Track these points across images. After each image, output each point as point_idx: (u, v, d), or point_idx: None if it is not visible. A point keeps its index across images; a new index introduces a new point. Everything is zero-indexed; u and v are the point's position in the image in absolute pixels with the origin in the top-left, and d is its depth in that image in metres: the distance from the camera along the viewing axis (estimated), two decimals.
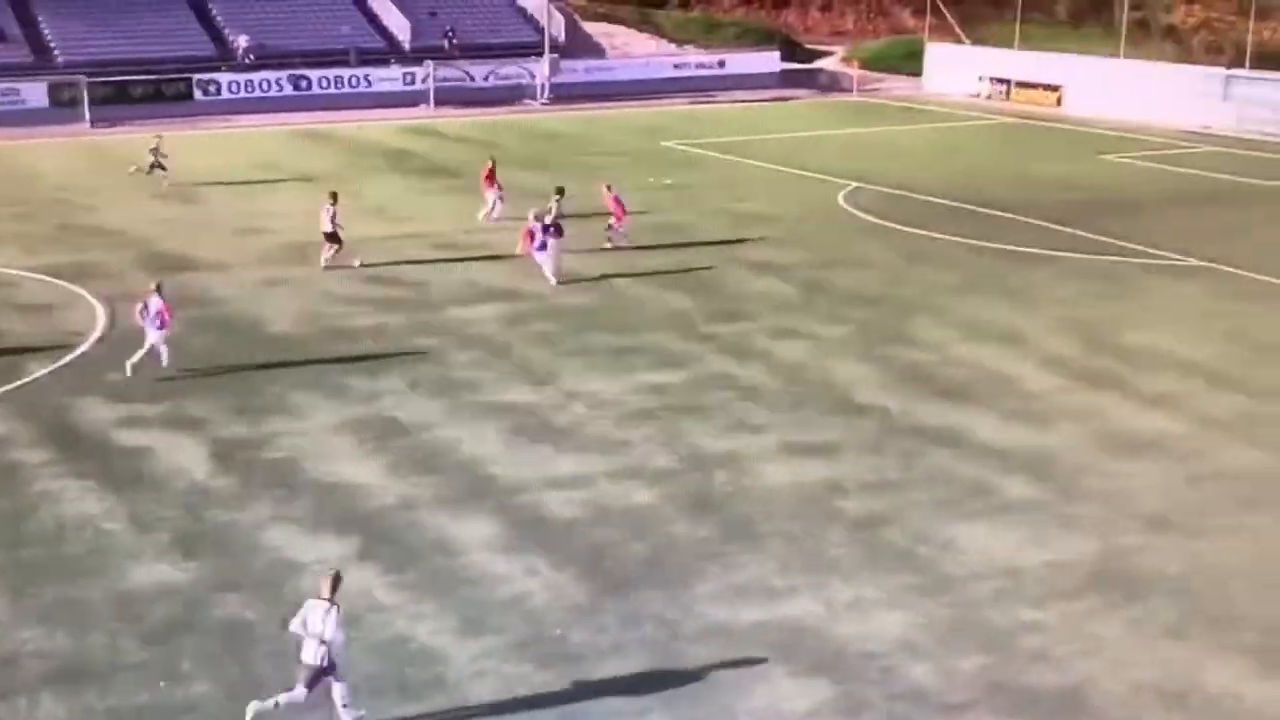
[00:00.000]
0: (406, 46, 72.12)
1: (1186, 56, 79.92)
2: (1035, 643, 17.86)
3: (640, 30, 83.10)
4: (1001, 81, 71.46)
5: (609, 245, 37.79)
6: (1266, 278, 35.57)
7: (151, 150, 46.46)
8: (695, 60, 78.25)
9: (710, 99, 70.48)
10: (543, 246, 34.44)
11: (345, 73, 68.88)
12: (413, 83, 69.06)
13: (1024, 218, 42.10)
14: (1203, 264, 36.90)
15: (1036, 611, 18.65)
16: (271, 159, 53.10)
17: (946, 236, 39.92)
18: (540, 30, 73.00)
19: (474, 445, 24.30)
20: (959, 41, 77.53)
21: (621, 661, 17.34)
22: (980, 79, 71.66)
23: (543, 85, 70.75)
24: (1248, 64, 68.27)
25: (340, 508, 21.71)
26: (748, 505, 21.95)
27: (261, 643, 17.47)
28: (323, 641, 15.39)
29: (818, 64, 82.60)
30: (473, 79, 70.29)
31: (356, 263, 35.94)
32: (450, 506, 21.81)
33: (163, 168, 46.24)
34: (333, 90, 68.06)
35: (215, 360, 28.64)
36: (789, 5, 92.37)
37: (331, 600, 15.50)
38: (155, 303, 27.08)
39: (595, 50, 78.30)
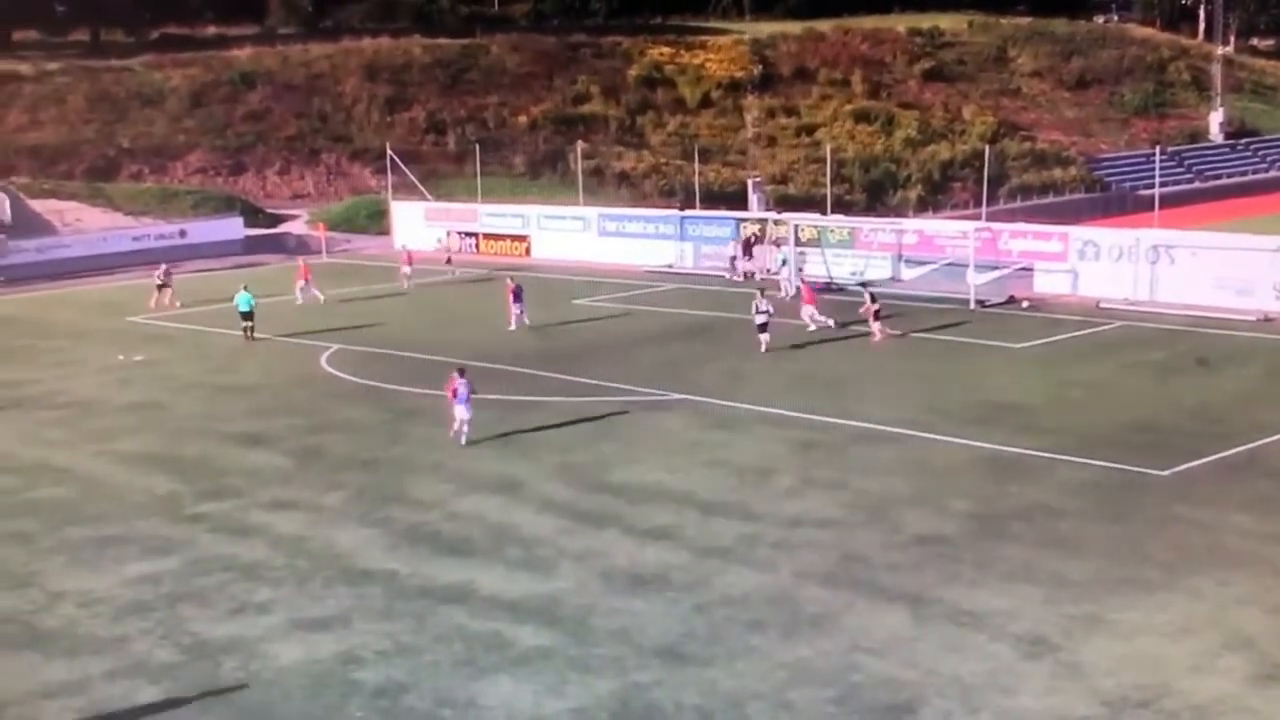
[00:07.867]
0: None
1: (642, 200, 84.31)
2: None
3: (93, 204, 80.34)
4: (469, 235, 72.93)
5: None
6: (737, 404, 37.35)
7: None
8: (155, 231, 76.26)
9: (176, 269, 68.41)
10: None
11: None
12: None
13: (509, 367, 42.72)
14: (681, 397, 38.39)
15: None
16: None
17: (433, 392, 39.92)
18: None
19: None
20: (423, 198, 78.67)
21: None
22: (449, 233, 72.84)
23: None
24: (698, 204, 72.55)
25: None
26: (261, 691, 20.92)
27: None
28: None
29: (283, 228, 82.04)
30: None
31: None
32: None
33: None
34: None
35: None
36: (245, 170, 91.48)
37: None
38: (462, 384, 33.75)
39: (46, 228, 75.20)
